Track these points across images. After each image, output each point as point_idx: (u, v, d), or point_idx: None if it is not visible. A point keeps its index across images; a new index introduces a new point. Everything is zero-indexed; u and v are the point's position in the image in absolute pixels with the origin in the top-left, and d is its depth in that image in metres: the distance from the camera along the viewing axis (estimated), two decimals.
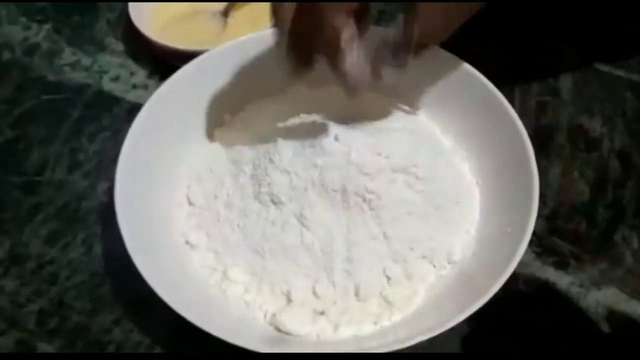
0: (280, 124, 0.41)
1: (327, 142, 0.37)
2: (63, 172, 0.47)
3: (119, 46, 0.55)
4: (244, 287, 0.37)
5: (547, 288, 0.40)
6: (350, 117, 0.39)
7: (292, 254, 0.37)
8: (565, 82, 0.51)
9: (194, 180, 0.42)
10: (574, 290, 0.40)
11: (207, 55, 0.44)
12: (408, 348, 0.31)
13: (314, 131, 0.38)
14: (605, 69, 0.52)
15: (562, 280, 0.40)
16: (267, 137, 0.40)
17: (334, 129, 0.37)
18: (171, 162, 0.42)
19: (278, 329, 0.35)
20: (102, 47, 0.55)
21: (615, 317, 0.39)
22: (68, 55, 0.54)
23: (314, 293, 0.37)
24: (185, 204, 0.41)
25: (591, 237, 0.42)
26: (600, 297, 0.39)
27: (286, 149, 0.38)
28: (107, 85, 0.52)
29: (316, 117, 0.39)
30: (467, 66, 0.42)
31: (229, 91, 0.44)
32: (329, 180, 0.37)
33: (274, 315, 0.36)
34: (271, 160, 0.38)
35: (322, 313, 0.36)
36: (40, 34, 0.56)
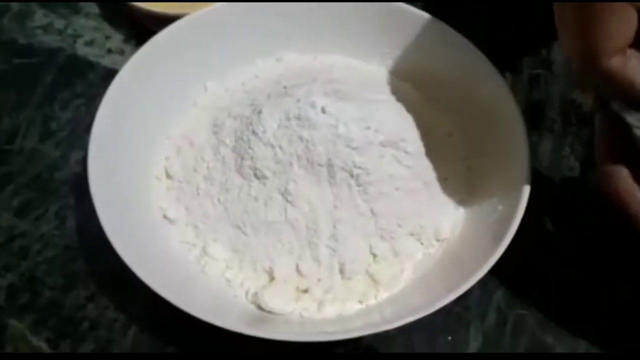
0: (265, 94, 0.39)
1: (314, 114, 0.35)
2: (34, 141, 0.44)
3: (94, 9, 0.52)
4: (225, 263, 0.36)
5: (535, 268, 0.39)
6: (337, 87, 0.38)
7: (275, 230, 0.36)
8: (558, 54, 0.49)
9: (173, 152, 0.40)
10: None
11: (186, 20, 0.41)
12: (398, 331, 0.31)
13: (300, 102, 0.36)
14: None
15: (549, 260, 0.39)
16: (250, 107, 0.38)
17: (321, 100, 0.36)
18: (148, 132, 0.40)
19: (260, 308, 0.34)
20: (76, 10, 0.52)
21: None
22: (40, 17, 0.51)
23: (298, 270, 0.35)
24: (164, 176, 0.39)
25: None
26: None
27: (270, 120, 0.36)
28: (82, 50, 0.49)
29: (302, 87, 0.37)
30: (458, 36, 0.41)
31: (210, 57, 0.42)
32: (315, 154, 0.35)
33: (255, 293, 0.35)
34: (254, 132, 0.36)
35: (306, 291, 0.35)
36: None
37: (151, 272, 0.32)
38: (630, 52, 0.27)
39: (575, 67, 0.28)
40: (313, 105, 0.36)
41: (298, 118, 0.35)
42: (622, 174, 0.29)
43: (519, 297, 0.38)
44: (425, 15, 0.42)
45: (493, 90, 0.39)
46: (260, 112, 0.37)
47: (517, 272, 0.38)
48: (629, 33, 0.26)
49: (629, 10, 0.26)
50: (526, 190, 0.34)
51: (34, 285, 0.38)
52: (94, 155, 0.35)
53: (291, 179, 0.36)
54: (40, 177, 0.42)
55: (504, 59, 0.47)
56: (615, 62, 0.26)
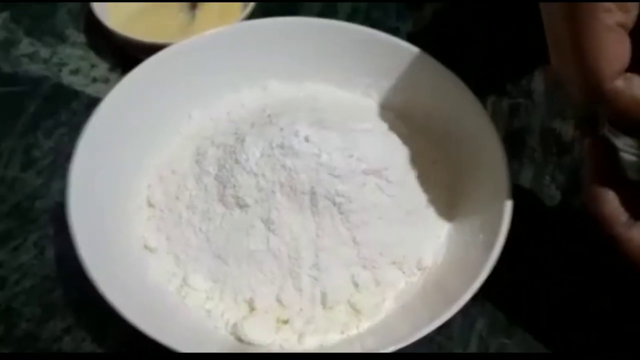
0: (249, 122, 0.39)
1: (297, 142, 0.35)
2: (16, 169, 0.44)
3: (80, 37, 0.52)
4: (206, 294, 0.36)
5: (517, 295, 0.39)
6: (321, 116, 0.38)
7: (257, 259, 0.35)
8: (538, 84, 0.50)
9: (155, 180, 0.40)
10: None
11: (172, 49, 0.42)
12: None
13: (283, 131, 0.36)
14: None
15: (532, 287, 0.39)
16: (234, 136, 0.38)
17: (305, 129, 0.36)
18: (131, 160, 0.40)
19: (239, 339, 0.34)
20: (62, 38, 0.52)
21: None
22: (26, 45, 0.51)
23: (279, 300, 0.35)
24: (145, 205, 0.39)
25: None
26: None
27: (253, 149, 0.36)
28: (67, 79, 0.49)
29: (286, 116, 0.37)
30: (440, 67, 0.41)
31: (195, 86, 0.43)
32: (297, 182, 0.35)
33: (235, 324, 0.34)
34: (237, 161, 0.36)
35: (287, 322, 0.35)
36: None
37: (130, 304, 0.32)
38: (629, 74, 0.27)
39: (575, 93, 0.28)
40: (296, 134, 0.36)
41: (281, 147, 0.36)
42: (609, 197, 0.30)
43: (501, 326, 0.38)
44: (409, 46, 0.42)
45: (475, 121, 0.39)
46: (243, 141, 0.37)
47: (499, 300, 0.38)
48: (627, 54, 0.27)
49: (622, 32, 0.27)
50: (507, 218, 0.34)
51: (10, 317, 0.37)
52: (74, 184, 0.35)
53: (274, 207, 0.35)
54: (20, 206, 0.42)
55: (485, 88, 0.48)
56: (620, 84, 0.27)
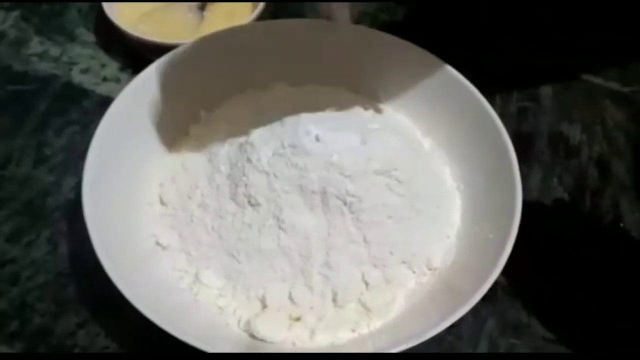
0: (259, 122, 0.39)
1: (308, 141, 0.36)
2: (28, 167, 0.44)
3: (90, 37, 0.52)
4: (218, 291, 0.36)
5: (526, 296, 0.39)
6: (331, 117, 0.38)
7: (268, 257, 0.36)
8: (546, 89, 0.50)
9: (167, 179, 0.40)
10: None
11: (182, 49, 0.42)
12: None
13: (294, 130, 0.37)
14: (584, 77, 0.52)
15: (541, 287, 0.40)
16: (245, 136, 0.39)
17: (315, 128, 0.36)
18: (143, 159, 0.40)
19: (252, 336, 0.34)
20: (72, 38, 0.52)
21: None
22: (36, 44, 0.52)
23: (290, 298, 0.35)
24: (157, 203, 0.39)
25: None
26: None
27: (265, 148, 0.37)
28: (77, 78, 0.50)
29: (296, 116, 0.38)
30: (450, 69, 0.42)
31: (205, 86, 0.43)
32: (308, 182, 0.36)
33: (248, 321, 0.34)
34: (249, 160, 0.37)
35: (298, 319, 0.35)
36: (7, 21, 0.53)
37: (143, 299, 0.32)
38: None
39: None
40: (307, 134, 0.36)
41: (293, 146, 0.36)
42: None
43: (511, 326, 0.38)
44: (417, 48, 0.43)
45: (485, 123, 0.39)
46: (254, 140, 0.37)
47: (509, 300, 0.39)
48: None
49: None
50: (517, 219, 0.35)
51: (24, 312, 0.38)
52: (88, 181, 0.35)
53: (285, 206, 0.36)
54: (32, 203, 0.42)
55: (494, 91, 0.48)
56: None
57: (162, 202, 0.39)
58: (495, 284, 0.33)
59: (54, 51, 0.51)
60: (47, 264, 0.39)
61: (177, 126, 0.42)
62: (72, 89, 0.49)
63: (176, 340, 0.31)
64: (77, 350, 0.36)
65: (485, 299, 0.33)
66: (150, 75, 0.41)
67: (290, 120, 0.37)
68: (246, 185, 0.36)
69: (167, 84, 0.41)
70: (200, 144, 0.41)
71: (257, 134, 0.37)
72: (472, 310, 0.32)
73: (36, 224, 0.41)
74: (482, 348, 0.37)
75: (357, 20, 0.43)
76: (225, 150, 0.39)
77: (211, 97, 0.44)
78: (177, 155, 0.41)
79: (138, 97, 0.40)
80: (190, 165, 0.40)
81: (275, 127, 0.38)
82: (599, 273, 0.40)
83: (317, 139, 0.36)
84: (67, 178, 0.44)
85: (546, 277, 0.40)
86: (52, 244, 0.40)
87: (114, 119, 0.38)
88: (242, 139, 0.38)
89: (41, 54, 0.51)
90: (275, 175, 0.36)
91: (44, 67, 0.50)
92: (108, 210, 0.36)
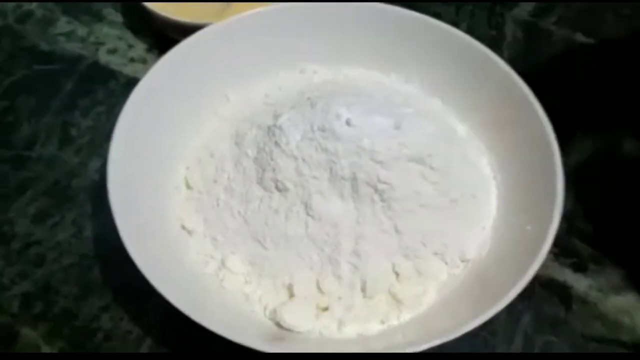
0: (288, 105, 0.38)
1: (338, 125, 0.34)
2: (54, 148, 0.44)
3: (118, 17, 0.52)
4: (244, 277, 0.35)
5: (564, 291, 0.38)
6: (362, 100, 0.37)
7: (295, 244, 0.35)
8: (586, 74, 0.48)
9: (193, 162, 0.39)
10: (593, 295, 0.38)
11: (210, 29, 0.41)
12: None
13: (325, 114, 0.35)
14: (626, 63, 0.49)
15: (580, 283, 0.38)
16: (273, 118, 0.37)
17: (346, 112, 0.35)
18: (169, 141, 0.39)
19: (278, 325, 0.33)
20: (99, 18, 0.52)
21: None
22: (63, 24, 0.51)
23: (318, 287, 0.34)
24: (183, 187, 0.39)
25: (612, 239, 0.40)
26: (620, 303, 0.37)
27: (294, 131, 0.35)
28: (104, 58, 0.49)
29: (327, 99, 0.36)
30: (488, 52, 0.40)
31: (233, 67, 0.42)
32: (338, 167, 0.34)
33: (274, 309, 0.33)
34: (277, 144, 0.35)
35: (326, 309, 0.34)
36: (34, 1, 0.53)
37: (168, 284, 0.31)
38: None
39: None
40: (338, 117, 0.35)
41: (322, 130, 0.35)
42: None
43: (548, 322, 0.36)
44: (454, 30, 0.41)
45: (524, 109, 0.37)
46: (283, 124, 0.36)
47: (547, 295, 0.37)
48: None
49: None
50: (558, 211, 0.33)
51: (48, 294, 0.37)
52: (114, 163, 0.35)
53: (313, 192, 0.35)
54: (58, 184, 0.42)
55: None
56: None
57: (188, 186, 0.38)
58: (532, 278, 0.31)
59: (81, 31, 0.51)
60: (72, 246, 0.39)
61: (204, 108, 0.41)
62: (98, 70, 0.48)
63: (200, 326, 0.30)
64: (100, 334, 0.36)
65: (521, 293, 0.31)
66: (177, 55, 0.40)
67: (320, 103, 0.36)
68: (274, 170, 0.35)
69: (194, 65, 0.40)
70: (227, 126, 0.40)
71: (286, 117, 0.36)
72: (507, 305, 0.31)
73: (61, 205, 0.41)
74: (517, 344, 0.36)
75: None
76: (252, 133, 0.38)
77: (239, 79, 0.42)
78: (204, 138, 0.40)
79: (164, 78, 0.39)
80: (217, 148, 0.39)
81: (305, 110, 0.36)
82: None
83: (348, 123, 0.35)
84: (92, 159, 0.43)
85: (587, 271, 0.38)
86: (77, 226, 0.40)
87: (140, 100, 0.38)
88: (270, 122, 0.37)
89: (68, 34, 0.51)
90: (303, 160, 0.35)
91: (70, 47, 0.50)
92: (133, 193, 0.35)
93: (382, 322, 0.34)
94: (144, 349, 0.35)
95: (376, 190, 0.34)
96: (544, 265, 0.37)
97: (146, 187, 0.37)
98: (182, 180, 0.39)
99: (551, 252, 0.38)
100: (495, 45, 0.48)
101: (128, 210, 0.34)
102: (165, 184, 0.38)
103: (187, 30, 0.42)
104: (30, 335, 0.36)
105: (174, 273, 0.34)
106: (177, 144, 0.39)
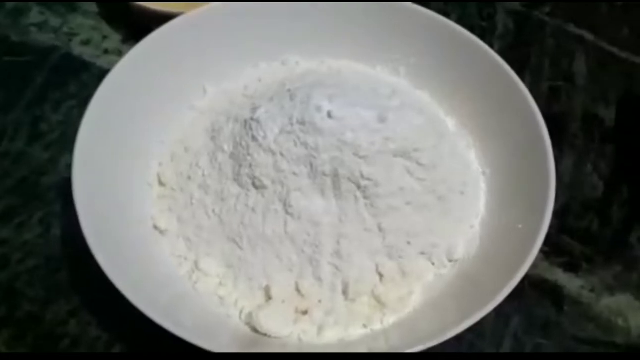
0: (266, 97, 0.36)
1: (320, 118, 0.33)
2: (22, 143, 0.42)
3: (93, 7, 0.50)
4: (218, 280, 0.33)
5: (555, 291, 0.36)
6: (345, 92, 0.35)
7: (274, 245, 0.33)
8: (580, 66, 0.47)
9: (167, 158, 0.37)
10: (585, 295, 0.36)
11: (185, 18, 0.39)
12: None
13: (305, 106, 0.33)
14: (622, 55, 0.48)
15: (572, 283, 0.37)
16: (250, 112, 0.35)
17: (327, 104, 0.33)
18: (141, 136, 0.37)
19: (255, 330, 0.31)
20: (73, 8, 0.49)
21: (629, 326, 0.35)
22: (35, 14, 0.49)
23: (297, 290, 0.33)
24: (156, 184, 0.37)
25: (604, 238, 0.38)
26: (613, 304, 0.36)
27: (272, 125, 0.33)
28: (77, 49, 0.47)
29: (307, 90, 0.34)
30: (478, 42, 0.38)
31: (210, 58, 0.40)
32: (319, 162, 0.32)
33: (250, 313, 0.32)
34: (254, 138, 0.34)
35: (305, 312, 0.32)
36: None
37: (138, 289, 0.30)
38: None
39: None
40: (319, 110, 0.33)
41: (302, 123, 0.33)
42: None
43: (538, 325, 0.35)
44: (442, 19, 0.39)
45: (516, 104, 0.36)
46: (261, 116, 0.34)
47: (537, 296, 0.35)
48: None
49: None
50: (549, 208, 0.31)
51: (13, 297, 0.35)
52: (80, 159, 0.33)
53: (293, 189, 0.33)
54: (26, 182, 0.40)
55: (523, 68, 0.45)
56: None
57: (161, 183, 0.37)
58: (522, 278, 0.30)
59: (54, 21, 0.49)
60: (39, 247, 0.37)
61: (179, 101, 0.39)
62: (71, 61, 0.46)
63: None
64: (67, 340, 0.34)
65: (510, 294, 0.29)
66: (150, 45, 0.38)
67: (300, 94, 0.34)
68: (251, 166, 0.33)
69: (168, 56, 0.38)
70: (203, 120, 0.38)
71: (263, 110, 0.34)
72: (496, 307, 0.29)
73: (29, 204, 0.39)
74: (506, 347, 0.34)
75: None
76: (229, 127, 0.36)
77: (217, 70, 0.40)
78: (178, 132, 0.38)
79: (135, 69, 0.37)
80: (192, 143, 0.37)
81: (284, 102, 0.34)
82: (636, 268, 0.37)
83: (330, 115, 0.33)
84: (63, 156, 0.41)
85: (578, 272, 0.37)
86: (44, 226, 0.38)
87: (110, 92, 0.36)
88: (247, 115, 0.35)
89: (41, 24, 0.49)
90: (282, 155, 0.33)
91: (43, 38, 0.48)
92: (101, 190, 0.33)
93: (365, 326, 0.32)
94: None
95: (359, 187, 0.33)
96: (534, 265, 0.36)
97: (116, 184, 0.35)
98: (155, 177, 0.37)
99: (542, 251, 0.37)
100: (486, 36, 0.46)
101: (95, 209, 0.32)
102: (137, 180, 0.36)
103: (164, 19, 0.40)
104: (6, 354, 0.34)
105: (144, 277, 0.32)
106: (150, 139, 0.37)
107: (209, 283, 0.33)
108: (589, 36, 0.48)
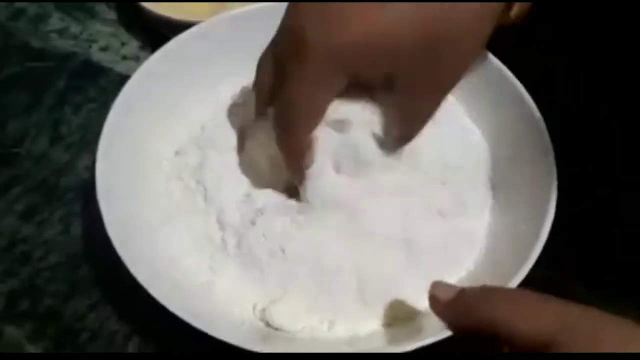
0: None
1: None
2: (44, 145, 0.43)
3: (111, 14, 0.51)
4: (234, 275, 0.34)
5: (560, 296, 0.37)
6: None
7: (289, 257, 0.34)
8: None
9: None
10: (592, 301, 0.37)
11: (202, 26, 0.41)
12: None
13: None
14: None
15: (577, 288, 0.37)
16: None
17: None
18: (160, 140, 0.39)
19: (267, 324, 0.33)
20: (92, 14, 0.51)
21: None
22: (55, 21, 0.51)
23: (310, 286, 0.34)
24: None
25: (611, 241, 0.39)
26: (622, 309, 0.36)
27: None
28: (96, 55, 0.49)
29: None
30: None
31: (225, 65, 0.41)
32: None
33: (263, 309, 0.33)
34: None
35: (317, 309, 0.33)
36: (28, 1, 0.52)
37: (157, 283, 0.31)
38: None
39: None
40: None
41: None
42: None
43: None
44: None
45: (518, 105, 0.37)
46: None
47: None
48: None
49: None
50: (551, 210, 0.33)
51: (34, 293, 0.37)
52: (102, 161, 0.34)
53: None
54: (46, 182, 0.41)
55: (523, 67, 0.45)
56: None
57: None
58: (522, 283, 0.31)
59: (74, 28, 0.50)
60: (59, 244, 0.39)
61: (196, 106, 0.41)
62: (90, 67, 0.48)
63: (188, 324, 0.29)
64: (86, 334, 0.35)
65: None
66: (169, 53, 0.40)
67: None
68: None
69: (186, 63, 0.40)
70: (219, 123, 0.40)
71: None
72: None
73: (49, 203, 0.40)
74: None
75: None
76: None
77: (230, 77, 0.41)
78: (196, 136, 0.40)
79: (155, 75, 0.39)
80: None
81: None
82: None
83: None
84: (82, 157, 0.43)
85: (580, 275, 0.38)
86: (64, 224, 0.39)
87: (130, 97, 0.37)
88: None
89: (61, 31, 0.50)
90: None
91: (63, 44, 0.49)
92: (121, 191, 0.35)
93: (376, 324, 0.33)
94: (131, 348, 0.35)
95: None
96: (536, 267, 0.37)
97: (135, 185, 0.36)
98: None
99: (544, 254, 0.38)
100: None
101: (116, 208, 0.33)
102: (154, 182, 0.37)
103: (180, 28, 0.41)
104: (14, 335, 0.35)
105: (163, 272, 0.33)
106: (167, 142, 0.39)
107: (224, 278, 0.34)
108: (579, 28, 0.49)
